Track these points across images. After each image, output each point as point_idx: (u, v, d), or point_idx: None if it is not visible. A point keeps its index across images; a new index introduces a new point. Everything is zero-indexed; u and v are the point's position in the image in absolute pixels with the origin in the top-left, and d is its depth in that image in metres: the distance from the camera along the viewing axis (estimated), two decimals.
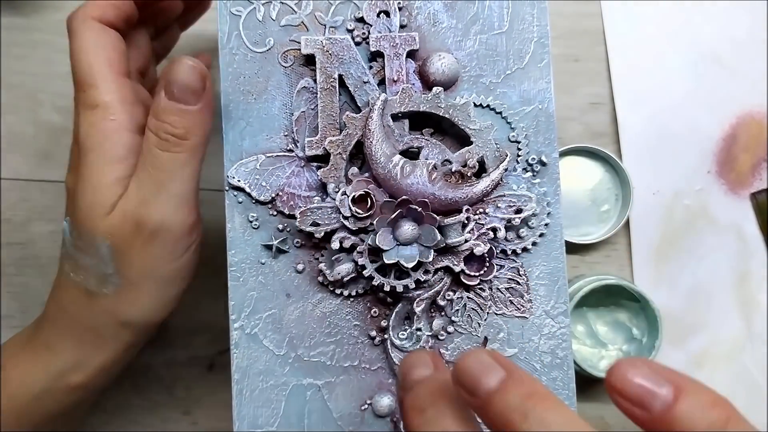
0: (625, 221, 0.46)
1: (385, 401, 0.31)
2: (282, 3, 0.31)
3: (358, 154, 0.31)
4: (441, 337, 0.32)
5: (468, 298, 0.31)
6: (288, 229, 0.31)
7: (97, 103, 0.29)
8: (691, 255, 0.46)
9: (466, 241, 0.30)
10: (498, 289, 0.32)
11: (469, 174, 0.31)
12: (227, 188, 0.31)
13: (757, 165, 0.47)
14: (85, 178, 0.29)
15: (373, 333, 0.31)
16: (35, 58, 0.45)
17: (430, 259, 0.30)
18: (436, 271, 0.31)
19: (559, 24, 0.46)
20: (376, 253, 0.30)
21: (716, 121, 0.47)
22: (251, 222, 0.31)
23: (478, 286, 0.31)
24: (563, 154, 0.46)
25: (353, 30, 0.31)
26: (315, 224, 0.30)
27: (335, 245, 0.30)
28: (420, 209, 0.29)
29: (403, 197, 0.29)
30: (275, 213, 0.31)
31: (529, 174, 0.32)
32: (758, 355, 0.45)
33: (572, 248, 0.47)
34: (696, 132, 0.47)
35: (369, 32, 0.31)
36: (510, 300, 0.32)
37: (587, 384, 0.46)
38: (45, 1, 0.45)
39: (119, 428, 0.45)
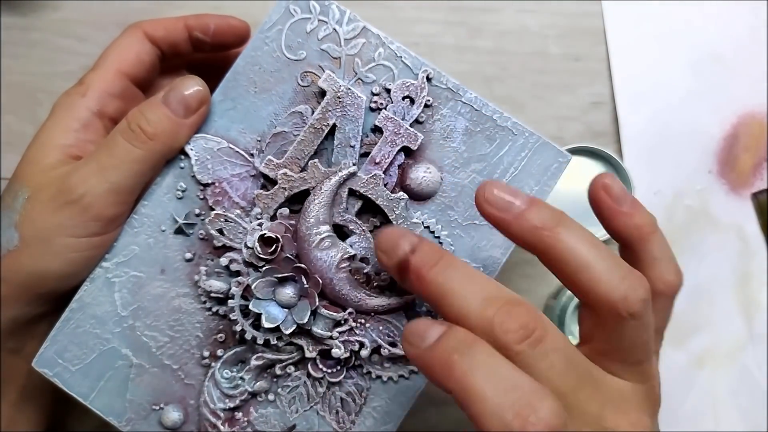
0: None
1: (175, 415, 0.31)
2: (334, 30, 0.31)
3: (301, 201, 0.31)
4: (259, 399, 0.31)
5: (304, 383, 0.31)
6: (202, 218, 0.31)
7: (83, 82, 0.33)
8: (692, 255, 0.45)
9: (331, 338, 0.30)
10: (334, 393, 0.31)
11: (375, 284, 0.30)
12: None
13: (758, 165, 0.46)
14: (38, 134, 0.32)
15: (206, 353, 0.31)
16: (34, 58, 0.44)
17: (288, 332, 0.29)
18: (291, 342, 0.30)
19: (560, 23, 0.46)
20: (251, 293, 0.30)
21: (717, 120, 0.46)
22: (177, 190, 0.31)
23: (319, 379, 0.31)
24: None
25: (378, 94, 0.31)
26: (221, 232, 0.30)
27: (224, 261, 0.30)
28: (308, 285, 0.29)
29: (303, 266, 0.29)
30: (202, 197, 0.31)
31: None
32: (759, 355, 0.45)
33: None
34: (697, 131, 0.46)
35: (387, 106, 0.31)
36: (337, 410, 0.31)
37: None
38: (44, 0, 0.44)
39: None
